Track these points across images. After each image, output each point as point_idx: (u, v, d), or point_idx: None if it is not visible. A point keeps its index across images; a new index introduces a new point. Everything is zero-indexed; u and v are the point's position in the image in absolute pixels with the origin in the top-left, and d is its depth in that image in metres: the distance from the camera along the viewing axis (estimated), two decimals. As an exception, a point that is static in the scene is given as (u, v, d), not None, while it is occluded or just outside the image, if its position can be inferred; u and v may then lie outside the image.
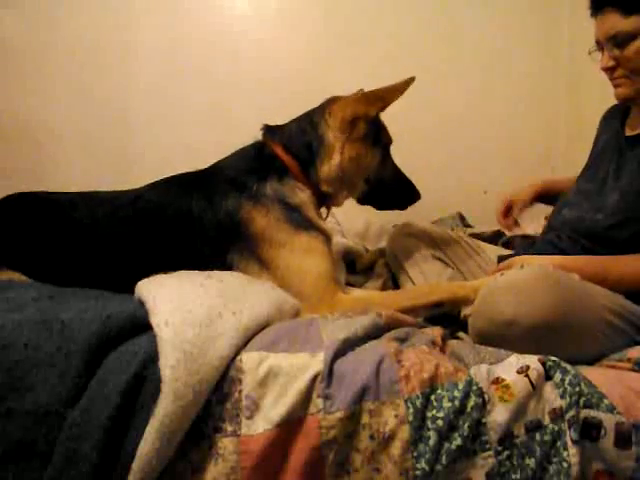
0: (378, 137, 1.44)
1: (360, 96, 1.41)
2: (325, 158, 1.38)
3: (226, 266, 1.26)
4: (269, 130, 1.43)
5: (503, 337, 1.03)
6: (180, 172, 1.42)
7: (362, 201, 1.51)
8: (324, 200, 1.44)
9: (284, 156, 1.37)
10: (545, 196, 1.77)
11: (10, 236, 1.30)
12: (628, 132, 1.44)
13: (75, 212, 1.32)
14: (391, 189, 1.51)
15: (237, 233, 1.28)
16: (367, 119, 1.39)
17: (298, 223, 1.30)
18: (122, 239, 1.28)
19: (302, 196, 1.36)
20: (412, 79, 1.35)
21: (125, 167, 2.48)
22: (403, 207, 1.55)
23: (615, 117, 1.53)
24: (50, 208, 1.35)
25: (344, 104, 1.39)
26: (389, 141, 1.49)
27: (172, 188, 1.35)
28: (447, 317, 1.30)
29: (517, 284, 1.05)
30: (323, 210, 1.47)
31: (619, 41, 1.29)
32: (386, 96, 1.37)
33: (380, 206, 1.55)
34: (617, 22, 1.28)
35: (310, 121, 1.40)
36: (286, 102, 2.30)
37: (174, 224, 1.29)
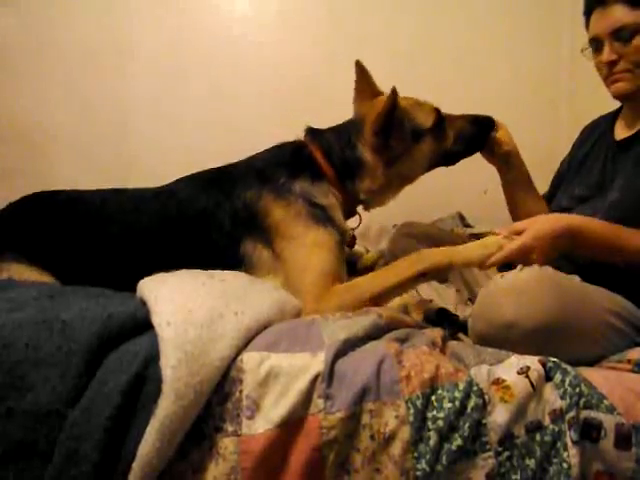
0: (417, 129, 1.38)
1: (379, 112, 1.31)
2: (366, 178, 1.37)
3: (239, 256, 1.26)
4: (312, 132, 1.42)
5: (503, 339, 1.03)
6: (179, 175, 1.41)
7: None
8: (356, 205, 1.43)
9: (323, 162, 1.36)
10: None
11: (31, 232, 1.34)
12: (620, 135, 1.44)
13: (102, 210, 1.35)
14: (458, 151, 1.46)
15: (253, 224, 1.28)
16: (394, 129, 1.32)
17: (317, 219, 1.29)
18: (143, 236, 1.30)
19: (332, 199, 1.35)
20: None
21: (121, 169, 2.46)
22: (480, 147, 1.50)
23: (598, 128, 1.53)
24: (69, 206, 1.38)
25: (372, 122, 1.32)
26: (431, 119, 1.39)
27: (194, 182, 1.37)
28: (447, 318, 1.30)
29: (518, 286, 1.05)
30: (354, 219, 1.45)
31: (625, 34, 1.28)
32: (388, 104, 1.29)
33: (454, 163, 1.50)
34: (623, 15, 1.28)
35: (348, 140, 1.37)
36: (287, 106, 2.31)
37: (190, 217, 1.30)
